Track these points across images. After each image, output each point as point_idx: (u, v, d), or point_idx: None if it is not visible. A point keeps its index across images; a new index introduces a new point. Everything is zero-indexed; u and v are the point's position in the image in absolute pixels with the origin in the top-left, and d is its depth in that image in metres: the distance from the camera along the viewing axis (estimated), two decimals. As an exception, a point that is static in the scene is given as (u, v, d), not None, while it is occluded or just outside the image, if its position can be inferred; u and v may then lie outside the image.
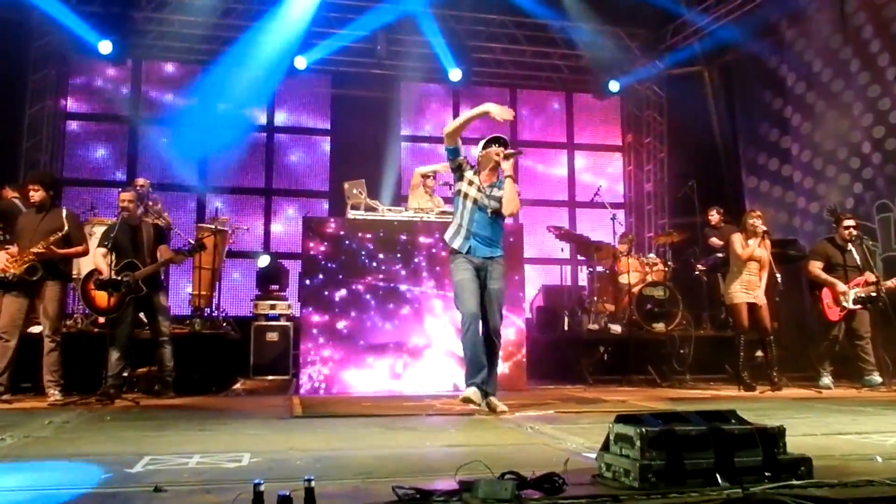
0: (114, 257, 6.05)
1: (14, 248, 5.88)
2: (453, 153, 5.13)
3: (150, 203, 8.10)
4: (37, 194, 5.97)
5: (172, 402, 5.92)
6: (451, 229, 5.15)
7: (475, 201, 5.05)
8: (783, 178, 10.27)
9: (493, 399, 4.90)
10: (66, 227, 5.89)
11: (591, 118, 12.48)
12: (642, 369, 7.85)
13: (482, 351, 4.89)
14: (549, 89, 12.31)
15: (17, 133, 9.69)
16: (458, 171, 5.16)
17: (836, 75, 9.40)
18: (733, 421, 2.57)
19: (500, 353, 5.19)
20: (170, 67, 11.05)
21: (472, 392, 4.79)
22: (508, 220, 5.59)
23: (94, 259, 6.32)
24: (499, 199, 5.05)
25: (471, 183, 5.09)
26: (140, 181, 8.19)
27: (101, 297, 6.33)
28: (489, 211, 5.04)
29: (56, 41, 10.06)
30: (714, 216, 8.87)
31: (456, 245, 5.06)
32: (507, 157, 5.02)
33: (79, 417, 4.69)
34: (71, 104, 10.63)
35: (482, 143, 5.17)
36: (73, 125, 10.64)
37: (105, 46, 9.74)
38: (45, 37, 9.94)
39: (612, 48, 11.35)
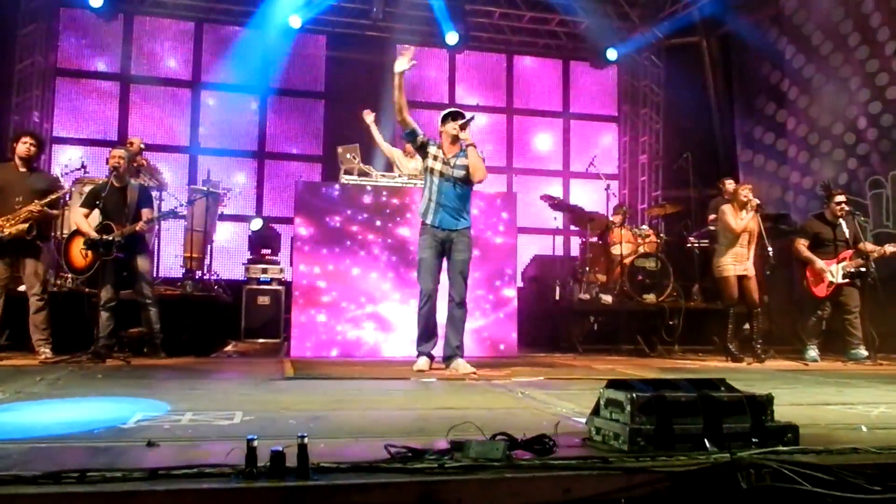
0: (100, 218, 6.02)
1: None
2: (412, 135, 5.44)
3: (145, 163, 8.04)
4: (34, 148, 5.93)
5: (163, 363, 5.93)
6: (423, 204, 5.51)
7: (441, 174, 5.39)
8: (778, 152, 10.26)
9: (460, 360, 5.33)
10: (65, 188, 5.98)
11: (587, 87, 12.38)
12: (632, 339, 7.91)
13: (434, 323, 5.46)
14: (546, 56, 12.19)
15: (6, 89, 9.54)
16: (423, 149, 5.46)
17: (835, 49, 9.34)
18: (722, 389, 2.59)
19: (466, 318, 5.61)
20: (161, 23, 10.84)
21: (423, 362, 5.35)
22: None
23: (76, 219, 6.27)
24: (464, 168, 5.36)
25: (435, 158, 5.41)
26: (135, 140, 8.10)
27: (78, 258, 6.32)
28: (455, 180, 5.36)
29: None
30: (730, 187, 8.66)
31: (427, 219, 5.43)
32: (463, 128, 5.33)
33: (70, 375, 4.70)
34: (61, 60, 10.44)
35: (440, 118, 5.48)
36: (63, 82, 10.46)
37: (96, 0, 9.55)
38: (34, -11, 9.74)
39: (611, 15, 11.23)
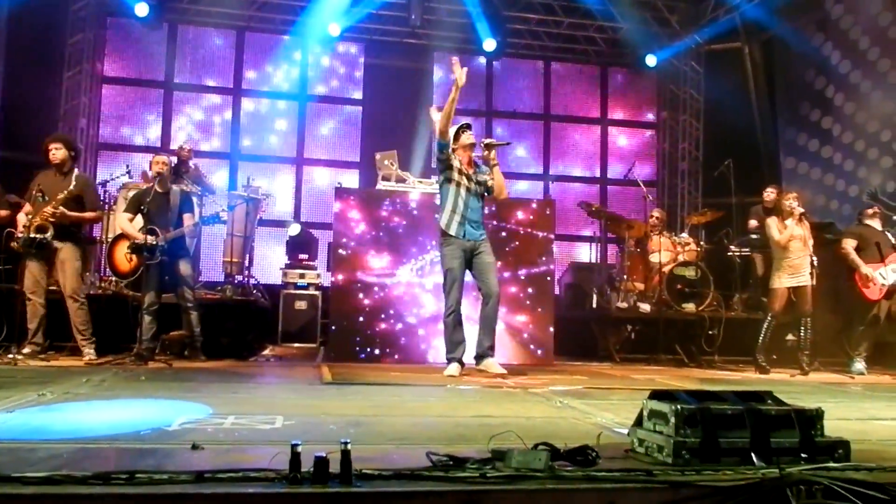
0: (142, 222, 6.14)
1: (28, 207, 5.87)
2: (446, 147, 5.55)
3: (194, 168, 8.19)
4: (59, 152, 5.94)
5: (204, 366, 6.02)
6: (445, 215, 5.56)
7: (467, 189, 5.54)
8: (822, 159, 10.03)
9: (491, 360, 5.47)
10: (72, 185, 5.85)
11: (626, 93, 12.27)
12: (670, 349, 7.78)
13: (461, 331, 5.57)
14: (584, 62, 12.11)
15: (55, 97, 9.81)
16: (448, 162, 5.56)
17: (883, 54, 9.11)
18: (770, 401, 2.53)
19: (498, 313, 5.76)
20: (205, 32, 11.04)
21: (454, 368, 5.44)
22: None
23: (120, 223, 6.37)
24: (482, 183, 5.58)
25: (460, 172, 5.54)
26: (185, 146, 8.25)
27: (122, 262, 6.44)
28: (477, 194, 5.57)
29: (94, 3, 10.12)
30: (771, 196, 8.56)
31: (452, 231, 5.52)
32: (488, 147, 5.53)
33: (115, 376, 4.79)
34: (108, 68, 10.71)
35: (452, 131, 5.59)
36: (109, 89, 10.72)
37: (141, 9, 9.77)
38: (82, -1, 10.02)
39: (651, 21, 11.12)
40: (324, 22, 10.30)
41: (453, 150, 5.57)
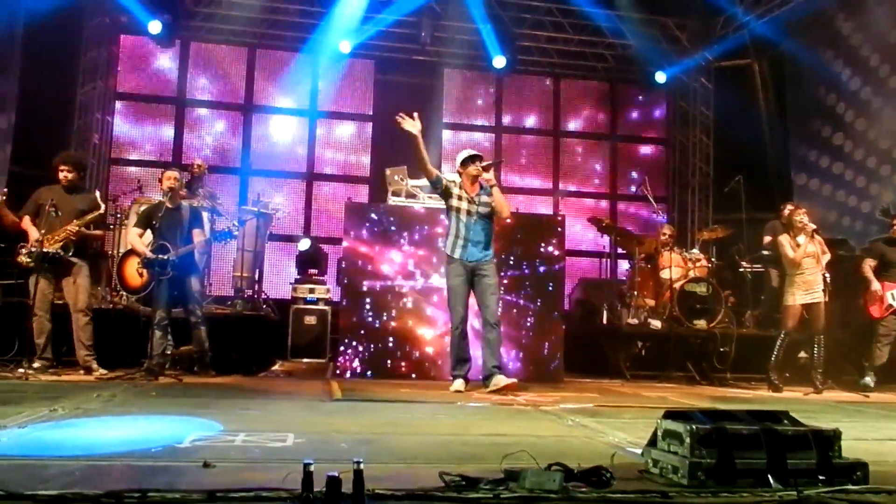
0: (152, 238, 6.19)
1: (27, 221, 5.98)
2: (437, 182, 5.81)
3: (205, 188, 8.20)
4: (70, 175, 6.15)
5: (214, 381, 6.02)
6: (449, 240, 5.82)
7: (468, 213, 5.76)
8: (834, 175, 9.98)
9: (498, 376, 5.51)
10: (102, 209, 6.16)
11: (636, 110, 12.28)
12: (681, 366, 7.71)
13: (467, 348, 5.76)
14: (593, 79, 12.14)
15: (68, 112, 9.90)
16: (446, 192, 5.82)
17: (894, 71, 9.09)
18: (786, 422, 2.51)
19: (502, 338, 5.96)
20: (217, 49, 11.13)
21: (459, 383, 5.58)
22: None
23: (130, 239, 6.44)
24: (487, 204, 5.78)
25: (460, 198, 5.78)
26: (198, 162, 8.25)
27: (132, 277, 6.49)
28: (479, 216, 5.74)
29: (108, 21, 10.24)
30: (787, 212, 8.50)
31: (456, 254, 5.74)
32: (486, 169, 5.77)
33: (125, 392, 4.79)
34: (121, 84, 10.81)
35: (459, 159, 5.93)
36: (122, 105, 10.82)
37: (155, 26, 9.86)
38: (97, 16, 10.13)
39: (660, 38, 11.15)
40: (335, 39, 10.38)
41: (460, 175, 5.84)
